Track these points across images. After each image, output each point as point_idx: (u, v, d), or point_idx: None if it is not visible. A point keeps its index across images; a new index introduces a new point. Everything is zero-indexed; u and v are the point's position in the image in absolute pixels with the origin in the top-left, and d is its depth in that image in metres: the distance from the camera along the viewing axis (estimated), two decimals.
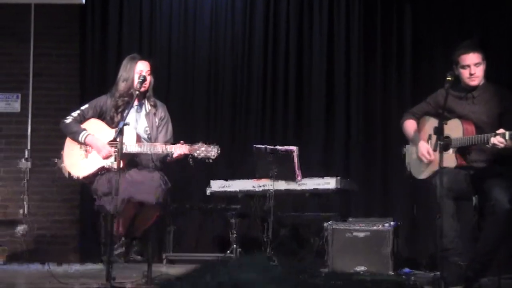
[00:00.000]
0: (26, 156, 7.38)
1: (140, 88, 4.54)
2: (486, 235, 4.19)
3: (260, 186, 5.93)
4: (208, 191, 6.43)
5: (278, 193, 5.71)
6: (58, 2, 7.37)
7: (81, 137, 4.57)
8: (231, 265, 0.74)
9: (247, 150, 6.48)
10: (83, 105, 4.81)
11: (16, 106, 7.47)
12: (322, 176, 6.38)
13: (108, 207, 4.31)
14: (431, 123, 4.55)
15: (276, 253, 5.73)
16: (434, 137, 4.36)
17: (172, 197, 4.99)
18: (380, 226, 5.46)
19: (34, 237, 7.32)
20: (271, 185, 5.64)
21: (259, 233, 6.00)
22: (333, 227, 5.60)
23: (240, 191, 6.25)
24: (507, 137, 4.04)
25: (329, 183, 5.91)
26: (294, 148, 5.77)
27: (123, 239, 4.56)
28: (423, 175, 4.61)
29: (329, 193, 6.09)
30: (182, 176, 6.90)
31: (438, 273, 4.23)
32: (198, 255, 6.89)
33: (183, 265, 6.53)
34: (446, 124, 4.11)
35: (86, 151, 4.61)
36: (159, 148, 4.52)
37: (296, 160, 5.73)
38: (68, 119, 4.66)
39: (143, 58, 4.75)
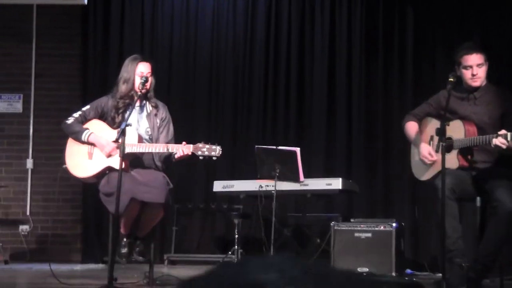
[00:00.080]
0: (28, 156, 7.39)
1: (142, 89, 4.54)
2: (489, 236, 4.18)
3: (262, 187, 5.92)
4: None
5: (280, 193, 5.70)
6: (60, 3, 7.37)
7: (84, 136, 4.57)
8: (252, 265, 0.75)
9: (249, 150, 6.48)
10: (85, 106, 4.80)
11: (18, 107, 7.48)
12: (324, 177, 6.38)
13: (111, 207, 4.31)
14: (433, 124, 4.54)
15: (278, 254, 5.73)
16: (436, 138, 4.36)
17: (174, 198, 4.99)
18: (383, 227, 5.45)
19: (36, 237, 7.33)
20: (273, 185, 5.63)
21: (261, 233, 6.00)
22: (336, 228, 5.59)
23: (243, 192, 6.24)
24: (508, 138, 4.03)
25: (332, 184, 5.90)
26: (296, 149, 5.77)
27: (125, 239, 4.55)
28: (425, 177, 4.60)
29: (331, 194, 6.08)
30: (184, 177, 6.91)
31: (441, 274, 4.23)
32: (199, 255, 6.90)
33: (184, 266, 6.54)
34: (448, 125, 4.10)
35: (89, 151, 4.61)
36: (162, 148, 4.52)
37: (299, 160, 5.72)
38: (70, 120, 4.66)
39: (144, 59, 4.74)
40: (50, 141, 7.21)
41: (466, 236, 4.38)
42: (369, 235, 5.48)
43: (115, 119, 4.62)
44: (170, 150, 4.50)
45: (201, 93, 7.32)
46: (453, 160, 4.35)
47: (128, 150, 4.30)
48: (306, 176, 5.93)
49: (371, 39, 7.05)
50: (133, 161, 4.54)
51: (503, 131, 4.07)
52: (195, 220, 7.15)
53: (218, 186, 6.39)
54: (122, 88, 4.65)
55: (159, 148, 4.52)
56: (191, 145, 4.45)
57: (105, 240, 5.26)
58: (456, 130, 4.36)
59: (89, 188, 6.18)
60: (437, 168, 4.29)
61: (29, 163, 7.40)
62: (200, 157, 4.48)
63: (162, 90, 6.74)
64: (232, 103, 7.26)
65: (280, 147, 5.86)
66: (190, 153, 4.45)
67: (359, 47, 7.06)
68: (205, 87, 7.32)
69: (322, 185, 5.93)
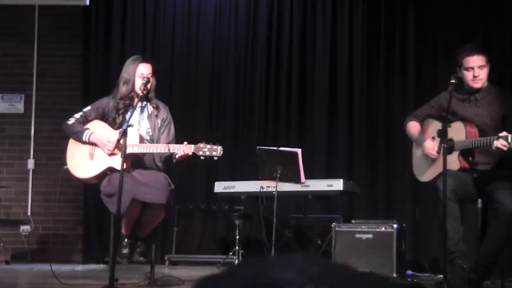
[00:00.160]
0: (30, 156, 7.39)
1: (143, 90, 4.54)
2: (490, 238, 4.18)
3: (263, 188, 5.92)
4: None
5: (281, 194, 5.71)
6: (62, 3, 7.38)
7: (85, 136, 4.57)
8: (271, 263, 0.74)
9: (250, 150, 6.49)
10: (86, 106, 4.81)
11: (19, 107, 7.49)
12: (325, 176, 6.39)
13: (112, 208, 4.31)
14: (434, 125, 4.54)
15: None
16: (437, 140, 4.35)
17: (175, 199, 4.99)
18: (384, 228, 5.45)
19: (37, 237, 7.34)
20: (274, 186, 5.63)
21: (263, 234, 6.00)
22: (337, 229, 5.59)
23: (244, 193, 6.24)
24: (509, 140, 4.03)
25: (333, 185, 5.90)
26: (298, 150, 5.77)
27: (126, 240, 4.55)
28: (426, 178, 4.60)
29: (332, 195, 6.08)
30: (185, 177, 6.91)
31: (442, 275, 4.23)
32: (200, 256, 6.90)
33: (185, 267, 6.54)
34: (449, 126, 4.10)
35: (90, 152, 4.61)
36: (163, 148, 4.52)
37: (300, 162, 5.72)
38: (71, 120, 4.66)
39: (145, 60, 4.74)
40: (52, 141, 7.22)
41: (467, 237, 4.38)
42: (370, 236, 5.47)
43: (116, 120, 4.62)
44: (171, 151, 4.50)
45: (203, 93, 7.32)
46: (454, 162, 4.34)
47: (129, 150, 4.30)
48: (308, 175, 5.94)
49: (372, 38, 7.05)
50: (134, 161, 4.55)
51: (504, 133, 4.07)
52: (196, 220, 7.15)
53: (219, 187, 6.39)
54: (123, 89, 4.65)
55: (160, 148, 4.52)
56: (193, 145, 4.45)
57: (106, 241, 5.25)
58: (457, 131, 4.36)
59: (90, 188, 6.18)
60: (438, 169, 4.29)
61: (31, 164, 7.40)
62: (202, 157, 4.48)
63: (164, 90, 6.75)
64: (233, 103, 7.26)
65: (281, 148, 5.86)
66: (190, 153, 4.45)
67: (361, 46, 7.06)
68: (207, 87, 7.32)
69: (323, 186, 5.93)
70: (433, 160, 4.54)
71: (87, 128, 4.60)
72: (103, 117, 4.68)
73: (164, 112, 4.76)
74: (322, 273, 0.84)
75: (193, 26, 7.41)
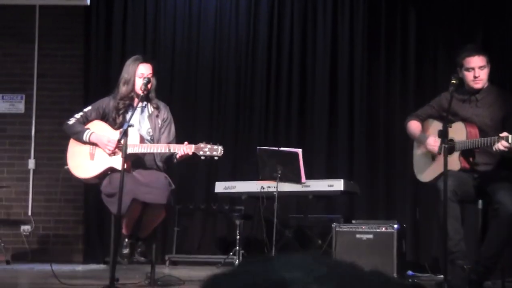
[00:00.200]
0: (30, 156, 7.39)
1: (144, 90, 4.54)
2: (490, 238, 4.18)
3: (264, 188, 5.93)
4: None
5: (282, 194, 5.71)
6: (62, 3, 7.38)
7: (85, 136, 4.57)
8: (278, 262, 0.74)
9: (250, 150, 6.49)
10: (86, 106, 4.81)
11: (20, 107, 7.49)
12: (326, 176, 6.39)
13: (112, 208, 4.31)
14: (435, 126, 4.54)
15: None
16: (438, 140, 4.35)
17: (175, 199, 4.99)
18: (384, 228, 5.45)
19: (38, 237, 7.34)
20: (275, 187, 5.63)
21: (263, 234, 6.00)
22: (337, 229, 5.59)
23: (244, 193, 6.24)
24: (510, 141, 4.03)
25: (333, 185, 5.90)
26: (298, 150, 5.77)
27: (126, 240, 4.55)
28: (427, 178, 4.60)
29: (332, 195, 6.08)
30: (186, 177, 6.91)
31: (442, 276, 4.24)
32: (201, 256, 6.90)
33: (186, 267, 6.54)
34: (450, 127, 4.10)
35: (91, 152, 4.61)
36: (164, 148, 4.52)
37: (300, 162, 5.72)
38: (71, 121, 4.66)
39: (145, 60, 4.74)
40: (52, 141, 7.21)
41: (468, 238, 4.38)
42: (371, 236, 5.47)
43: (116, 120, 4.62)
44: (171, 150, 4.50)
45: (203, 93, 7.32)
46: (455, 162, 4.34)
47: (129, 150, 4.30)
48: (308, 175, 5.94)
49: (373, 38, 7.05)
50: (135, 161, 4.55)
51: (504, 134, 4.07)
52: (196, 221, 7.15)
53: (220, 187, 6.39)
54: (123, 89, 4.65)
55: (161, 148, 4.53)
56: (193, 145, 4.45)
57: (107, 241, 5.25)
58: (458, 132, 4.36)
59: (91, 188, 6.18)
60: (439, 169, 4.29)
61: (31, 164, 7.40)
62: (202, 157, 4.48)
63: (165, 90, 6.75)
64: (234, 103, 7.26)
65: (282, 148, 5.87)
66: (191, 153, 4.45)
67: (361, 46, 7.06)
68: (207, 87, 7.32)
69: (323, 186, 5.93)
70: (433, 160, 4.54)
71: (88, 128, 4.61)
72: (104, 117, 4.68)
73: (165, 112, 4.76)
74: (329, 273, 0.84)
75: (194, 26, 7.41)
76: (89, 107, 4.74)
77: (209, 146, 4.45)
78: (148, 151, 4.54)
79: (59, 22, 7.54)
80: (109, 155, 4.55)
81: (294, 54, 7.19)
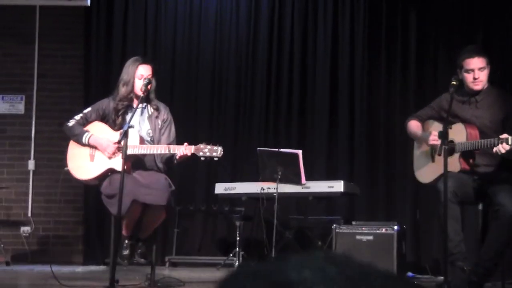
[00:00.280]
0: (30, 157, 7.39)
1: (144, 91, 4.53)
2: (491, 240, 4.18)
3: (264, 189, 5.92)
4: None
5: (282, 196, 5.70)
6: (63, 4, 7.37)
7: (84, 139, 4.57)
8: (290, 262, 0.74)
9: (251, 151, 6.49)
10: (87, 107, 4.81)
11: (20, 108, 7.48)
12: (326, 177, 6.39)
13: (112, 209, 4.31)
14: (435, 127, 4.54)
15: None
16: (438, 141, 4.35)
17: (175, 200, 4.99)
18: (384, 230, 5.44)
19: (37, 238, 7.33)
20: (275, 188, 5.63)
21: (263, 236, 5.99)
22: (337, 230, 5.58)
23: (244, 194, 6.24)
24: (509, 142, 4.03)
25: (333, 186, 5.90)
26: (298, 151, 5.77)
27: (126, 241, 4.55)
28: (427, 179, 4.60)
29: (333, 196, 6.08)
30: (186, 178, 6.91)
31: (442, 277, 4.23)
32: (201, 258, 6.90)
33: (186, 268, 6.54)
34: (450, 128, 4.10)
35: (91, 153, 4.61)
36: (164, 149, 4.52)
37: (301, 163, 5.72)
38: (71, 122, 4.66)
39: (145, 61, 4.73)
40: (52, 142, 7.21)
41: (468, 239, 4.38)
42: (371, 237, 5.47)
43: (116, 121, 4.62)
44: (171, 151, 4.50)
45: (204, 94, 7.31)
46: (455, 164, 4.34)
47: (129, 151, 4.30)
48: (308, 176, 5.93)
49: (373, 39, 7.05)
50: (135, 162, 4.54)
51: (504, 135, 4.07)
52: (196, 222, 7.15)
53: (220, 188, 6.39)
54: (122, 90, 4.65)
55: (161, 149, 4.52)
56: (193, 146, 4.44)
57: (107, 242, 5.25)
58: (458, 133, 4.36)
59: (91, 189, 6.17)
60: (439, 171, 4.29)
61: (31, 164, 7.40)
62: (202, 158, 4.48)
63: (165, 91, 6.75)
64: (234, 104, 7.26)
65: (282, 150, 5.86)
66: (189, 154, 4.44)
67: (362, 47, 7.06)
68: (208, 88, 7.32)
69: (324, 187, 5.93)
70: (433, 162, 4.54)
71: (87, 131, 4.60)
72: (104, 118, 4.68)
73: (165, 113, 4.76)
74: (338, 273, 0.84)
75: (194, 27, 7.41)
76: (89, 108, 4.73)
77: (208, 147, 4.45)
78: (148, 152, 4.54)
79: (60, 23, 7.54)
80: (108, 158, 4.54)
81: (295, 54, 7.19)
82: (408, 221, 6.47)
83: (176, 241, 6.96)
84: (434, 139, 4.41)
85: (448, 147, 4.07)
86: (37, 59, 7.51)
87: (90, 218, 7.13)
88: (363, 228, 5.53)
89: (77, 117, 4.67)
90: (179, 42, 7.41)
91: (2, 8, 7.44)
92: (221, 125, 7.26)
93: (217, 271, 6.22)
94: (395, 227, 5.46)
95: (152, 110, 4.72)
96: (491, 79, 4.50)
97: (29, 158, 7.41)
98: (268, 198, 5.85)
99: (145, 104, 4.70)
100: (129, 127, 4.24)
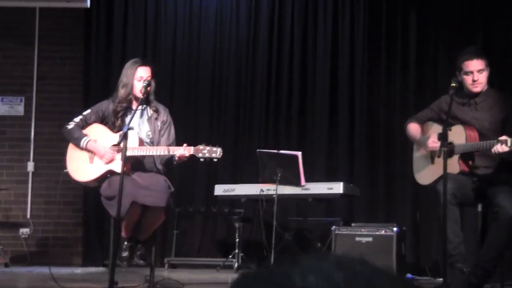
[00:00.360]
0: (30, 159, 7.39)
1: (144, 93, 4.53)
2: (490, 242, 4.18)
3: (263, 191, 5.92)
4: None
5: (281, 197, 5.70)
6: (62, 6, 7.37)
7: (83, 143, 4.57)
8: (299, 267, 0.74)
9: (251, 151, 6.49)
10: (86, 110, 4.80)
11: (19, 109, 7.48)
12: (326, 177, 6.39)
13: (112, 211, 4.31)
14: (435, 129, 4.54)
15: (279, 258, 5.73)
16: (438, 141, 4.35)
17: (175, 201, 4.99)
18: (384, 231, 5.45)
19: (37, 240, 7.32)
20: (274, 189, 5.63)
21: (263, 237, 5.99)
22: (337, 232, 5.58)
23: (244, 196, 6.24)
24: (509, 144, 4.03)
25: (333, 188, 5.90)
26: (298, 153, 5.77)
27: (126, 243, 4.55)
28: (426, 181, 4.60)
29: (332, 198, 6.08)
30: (185, 179, 6.91)
31: (442, 279, 4.23)
32: (200, 259, 6.89)
33: (185, 270, 6.54)
34: (450, 130, 4.10)
35: (90, 156, 4.61)
36: (163, 150, 4.52)
37: (300, 165, 5.73)
38: (70, 125, 4.65)
39: (144, 63, 4.73)
40: (52, 144, 7.20)
41: (467, 241, 4.38)
42: (370, 239, 5.47)
43: (115, 123, 4.62)
44: (171, 153, 4.50)
45: (204, 94, 7.31)
46: (454, 165, 4.34)
47: (129, 153, 4.30)
48: (308, 176, 5.94)
49: (373, 39, 7.05)
50: (134, 164, 4.54)
51: (504, 137, 4.07)
52: (196, 223, 7.15)
53: (219, 189, 6.39)
54: (121, 92, 4.65)
55: (160, 150, 4.52)
56: (192, 147, 4.44)
57: (106, 244, 5.24)
58: (458, 135, 4.36)
59: (90, 191, 6.17)
60: (439, 172, 4.29)
61: (30, 166, 7.39)
62: (201, 159, 4.48)
63: (165, 92, 6.75)
64: (234, 104, 7.25)
65: (281, 151, 5.86)
66: (187, 155, 4.44)
67: (362, 47, 7.06)
68: (208, 88, 7.32)
69: (323, 189, 5.93)
70: (433, 163, 4.54)
71: (85, 135, 4.60)
72: (103, 120, 4.68)
73: (164, 115, 4.76)
74: (344, 280, 0.83)
75: (194, 27, 7.41)
76: (88, 110, 4.73)
77: (208, 148, 4.45)
78: (147, 154, 4.54)
79: (59, 24, 7.54)
80: (106, 163, 4.55)
81: (295, 54, 7.19)
82: (408, 222, 6.47)
83: (175, 242, 6.95)
84: (433, 143, 4.42)
85: (448, 149, 4.08)
86: (36, 61, 7.50)
87: (90, 220, 7.13)
88: (363, 230, 5.53)
89: (77, 119, 4.67)
90: (179, 43, 7.41)
91: (2, 10, 7.44)
92: (221, 125, 7.26)
93: (217, 273, 6.22)
94: (395, 229, 5.46)
95: (152, 112, 4.72)
96: (491, 78, 4.51)
97: (29, 160, 7.41)
98: (267, 199, 5.85)
99: (144, 106, 4.70)
100: (129, 129, 4.24)
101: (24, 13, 7.51)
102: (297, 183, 5.78)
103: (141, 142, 4.56)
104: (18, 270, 6.42)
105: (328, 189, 5.91)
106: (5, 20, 7.51)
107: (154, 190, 4.38)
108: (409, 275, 5.88)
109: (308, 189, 5.90)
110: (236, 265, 6.25)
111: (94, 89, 7.21)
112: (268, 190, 5.87)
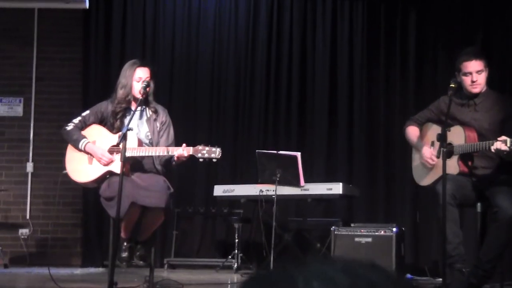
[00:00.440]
0: (29, 160, 7.39)
1: (143, 94, 4.53)
2: (489, 242, 4.18)
3: (263, 191, 5.92)
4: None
5: (281, 198, 5.70)
6: (61, 7, 7.37)
7: (81, 145, 4.57)
8: (302, 271, 0.73)
9: (250, 152, 6.49)
10: (85, 111, 4.80)
11: (18, 110, 7.48)
12: (325, 178, 6.39)
13: (111, 211, 4.31)
14: (434, 129, 4.54)
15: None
16: (437, 144, 4.35)
17: (174, 202, 4.99)
18: (383, 232, 5.45)
19: (36, 241, 7.32)
20: (274, 190, 5.63)
21: (262, 238, 5.99)
22: (336, 232, 5.59)
23: (243, 196, 6.24)
24: (508, 144, 4.03)
25: (332, 188, 5.90)
26: (297, 153, 5.77)
27: (125, 243, 4.54)
28: (425, 182, 4.60)
29: (331, 198, 6.08)
30: (185, 180, 6.91)
31: (441, 279, 4.24)
32: (200, 260, 6.89)
33: (184, 270, 6.54)
34: (449, 131, 4.11)
35: (89, 157, 4.61)
36: (162, 151, 4.52)
37: (299, 165, 5.73)
38: (69, 126, 4.65)
39: (143, 64, 4.73)
40: (51, 144, 7.20)
41: (467, 241, 4.38)
42: (369, 239, 5.47)
43: (114, 124, 4.62)
44: (170, 153, 4.50)
45: (203, 95, 7.31)
46: (453, 166, 4.35)
47: (128, 154, 4.29)
48: (307, 176, 5.94)
49: (372, 39, 7.05)
50: (134, 165, 4.54)
51: (503, 137, 4.07)
52: (195, 224, 7.15)
53: (219, 190, 6.39)
54: (120, 93, 4.65)
55: (159, 151, 4.52)
56: (191, 148, 4.44)
57: (106, 244, 5.25)
58: (457, 136, 4.36)
59: (89, 191, 6.17)
60: (438, 173, 4.29)
61: (29, 167, 7.39)
62: (200, 160, 4.47)
63: (164, 93, 6.75)
64: (233, 105, 7.26)
65: (281, 152, 5.87)
66: (186, 155, 4.43)
67: (361, 47, 7.06)
68: (207, 89, 7.32)
69: (322, 189, 5.93)
70: (432, 164, 4.54)
71: (84, 137, 4.59)
72: (102, 121, 4.68)
73: (163, 115, 4.75)
74: (348, 286, 0.82)
75: (193, 28, 7.41)
76: (87, 111, 4.73)
77: (207, 148, 4.44)
78: (147, 154, 4.54)
79: (58, 25, 7.53)
80: (104, 165, 4.54)
81: (294, 54, 7.19)
82: (407, 223, 6.47)
83: (175, 243, 6.95)
84: (426, 156, 4.46)
85: (447, 150, 4.08)
86: (35, 62, 7.50)
87: (89, 221, 7.12)
88: (362, 230, 5.53)
89: (76, 120, 4.67)
90: (178, 43, 7.41)
91: (1, 11, 7.43)
92: (220, 125, 7.26)
93: (216, 273, 6.22)
94: (394, 229, 5.46)
95: (151, 113, 4.72)
96: (491, 78, 4.51)
97: (28, 161, 7.41)
98: (267, 200, 5.86)
99: (143, 106, 4.70)
100: (128, 129, 4.24)
101: (23, 14, 7.51)
102: (296, 184, 5.78)
103: (140, 143, 4.56)
104: (18, 271, 6.42)
105: (328, 189, 5.91)
106: (4, 21, 7.50)
107: (153, 190, 4.38)
108: (408, 276, 5.88)
109: (307, 189, 5.90)
110: (235, 265, 6.25)
111: (93, 90, 7.21)
112: (268, 190, 5.87)
